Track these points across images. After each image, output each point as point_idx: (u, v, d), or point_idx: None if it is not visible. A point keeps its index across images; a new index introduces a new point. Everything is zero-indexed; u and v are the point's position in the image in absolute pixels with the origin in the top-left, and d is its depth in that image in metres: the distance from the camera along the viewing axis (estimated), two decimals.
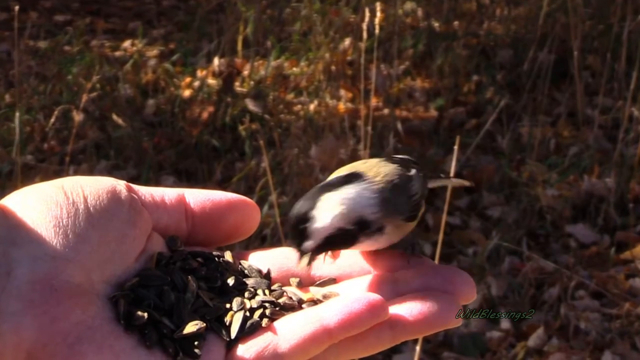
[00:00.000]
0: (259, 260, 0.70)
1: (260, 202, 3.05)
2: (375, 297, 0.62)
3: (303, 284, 0.68)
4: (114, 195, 0.66)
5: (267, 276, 0.68)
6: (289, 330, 0.63)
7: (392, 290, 0.66)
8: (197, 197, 0.70)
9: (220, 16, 4.27)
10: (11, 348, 0.59)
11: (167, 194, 0.70)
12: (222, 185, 3.31)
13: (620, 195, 3.22)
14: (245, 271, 0.68)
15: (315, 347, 0.62)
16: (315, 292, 0.67)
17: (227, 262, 0.68)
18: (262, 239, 2.98)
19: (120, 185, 0.67)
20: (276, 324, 0.64)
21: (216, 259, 0.68)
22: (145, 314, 0.63)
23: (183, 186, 3.24)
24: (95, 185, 0.66)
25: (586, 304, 2.83)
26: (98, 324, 0.62)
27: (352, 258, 0.69)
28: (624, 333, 2.74)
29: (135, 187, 0.69)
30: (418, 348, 2.04)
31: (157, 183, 3.28)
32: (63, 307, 0.61)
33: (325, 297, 0.65)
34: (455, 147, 2.02)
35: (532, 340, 2.71)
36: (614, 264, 3.00)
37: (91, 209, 0.64)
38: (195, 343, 0.63)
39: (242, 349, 0.62)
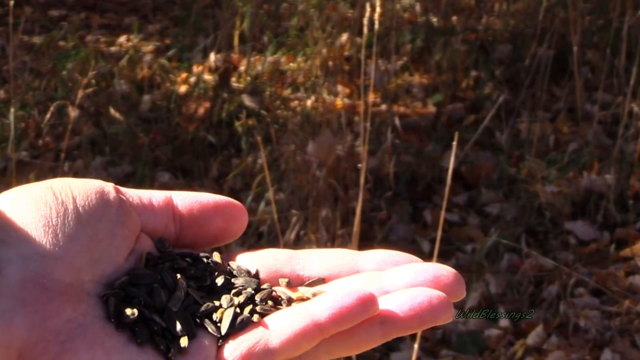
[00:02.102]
0: (248, 261, 0.69)
1: (257, 199, 3.04)
2: (366, 291, 0.62)
3: (292, 284, 0.68)
4: (102, 196, 0.66)
5: (256, 276, 0.68)
6: (280, 325, 0.62)
7: (381, 288, 0.65)
8: (185, 199, 0.70)
9: (217, 11, 4.26)
10: (2, 346, 0.58)
11: (154, 196, 0.69)
12: (219, 181, 3.29)
13: (620, 191, 3.21)
14: (234, 272, 0.68)
15: (307, 342, 0.62)
16: (304, 291, 0.66)
17: (216, 263, 0.68)
18: (259, 236, 2.98)
19: (109, 186, 0.67)
20: (267, 319, 0.63)
21: (204, 259, 0.68)
22: (136, 312, 0.62)
23: (179, 182, 3.24)
24: (83, 186, 0.66)
25: (586, 302, 2.83)
26: (89, 322, 0.61)
27: (340, 258, 0.69)
28: (623, 331, 2.74)
29: (123, 189, 0.69)
30: (416, 346, 2.03)
31: (152, 179, 3.27)
32: (54, 305, 0.60)
33: (315, 295, 0.65)
34: (454, 143, 2.01)
35: (531, 338, 2.70)
36: (613, 261, 2.99)
37: (80, 209, 0.64)
38: (186, 340, 0.62)
39: (232, 345, 0.62)
